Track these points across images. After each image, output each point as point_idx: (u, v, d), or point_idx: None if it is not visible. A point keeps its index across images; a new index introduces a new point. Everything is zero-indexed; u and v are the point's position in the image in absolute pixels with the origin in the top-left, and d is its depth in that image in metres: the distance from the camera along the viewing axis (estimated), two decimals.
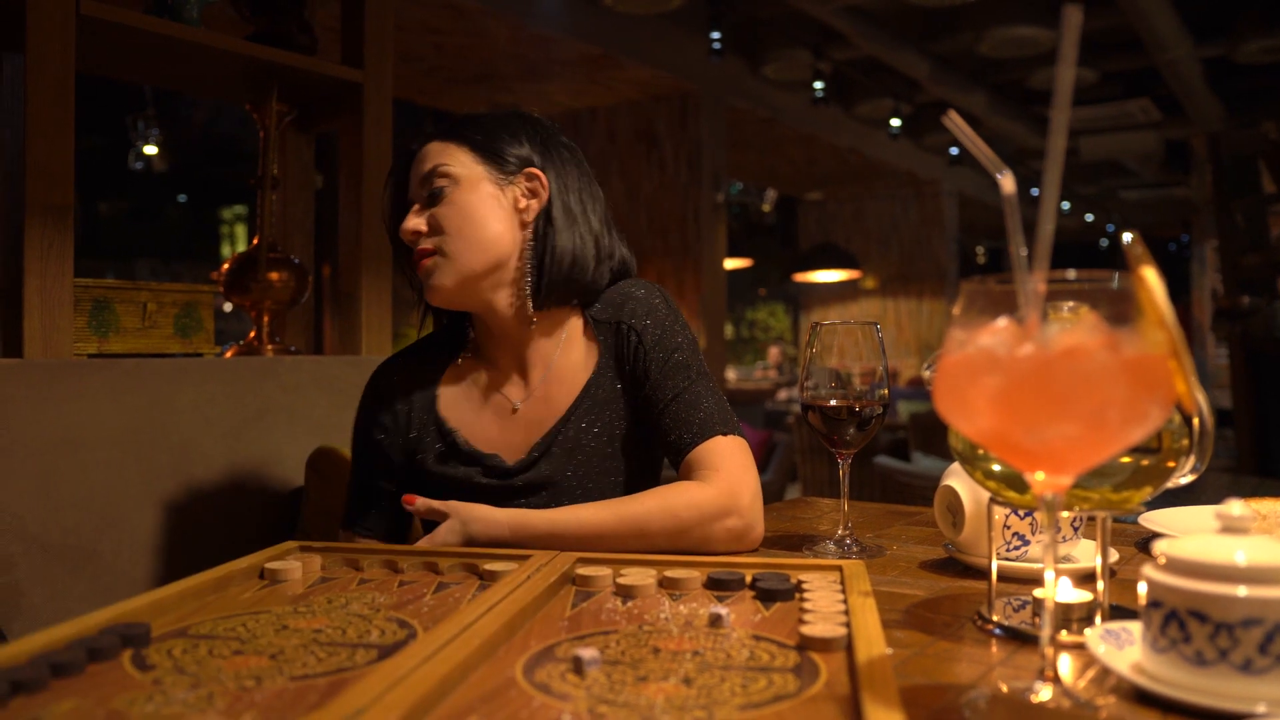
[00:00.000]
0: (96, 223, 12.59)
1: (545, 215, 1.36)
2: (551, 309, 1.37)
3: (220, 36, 1.96)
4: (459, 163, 1.33)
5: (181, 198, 13.72)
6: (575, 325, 1.41)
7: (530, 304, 1.34)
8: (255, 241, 2.15)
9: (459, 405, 1.40)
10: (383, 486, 1.39)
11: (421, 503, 1.23)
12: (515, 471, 1.34)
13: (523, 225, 1.35)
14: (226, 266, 2.15)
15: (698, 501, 1.21)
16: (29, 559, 1.48)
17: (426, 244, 1.33)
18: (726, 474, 1.24)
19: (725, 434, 1.28)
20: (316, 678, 0.70)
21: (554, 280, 1.34)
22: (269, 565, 1.00)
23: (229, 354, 2.15)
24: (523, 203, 1.35)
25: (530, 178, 1.36)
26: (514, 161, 1.36)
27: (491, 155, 1.35)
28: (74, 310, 1.76)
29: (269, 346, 2.15)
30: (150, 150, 8.32)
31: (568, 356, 1.39)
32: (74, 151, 1.77)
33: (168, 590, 0.88)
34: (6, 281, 1.78)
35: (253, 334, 2.17)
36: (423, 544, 1.17)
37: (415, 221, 1.33)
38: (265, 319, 2.16)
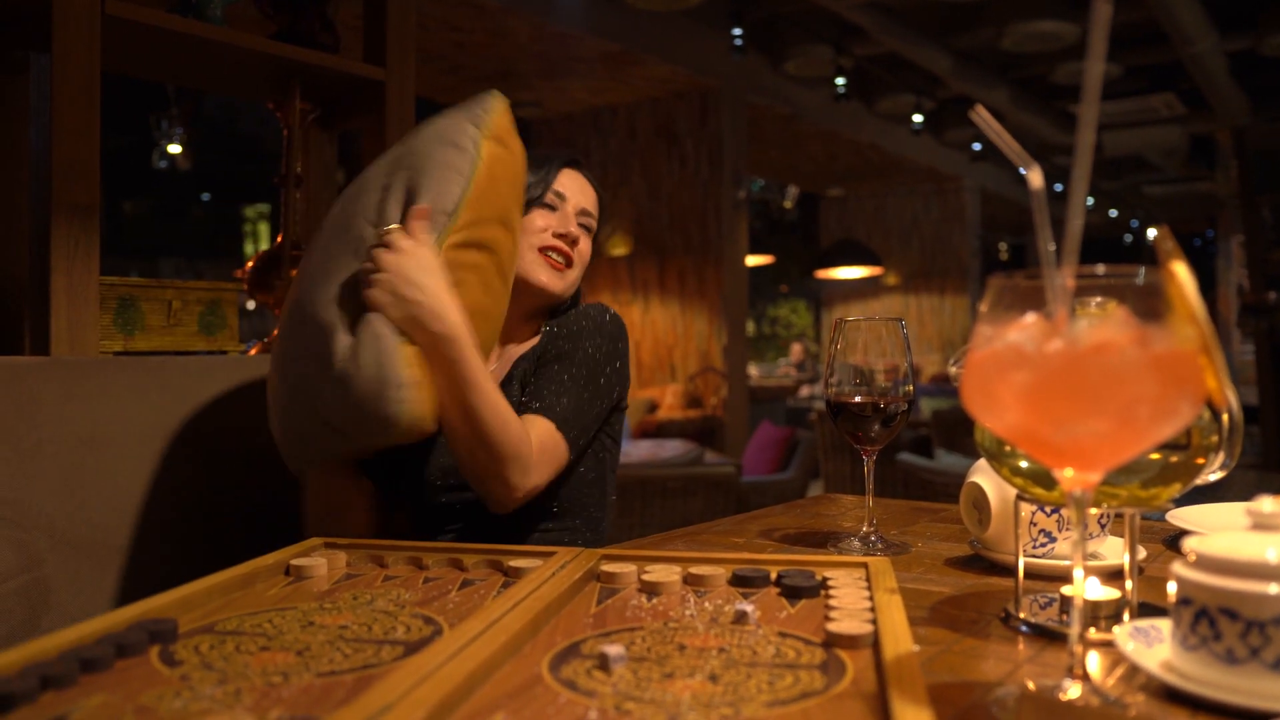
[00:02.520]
0: (121, 221, 12.69)
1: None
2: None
3: (243, 35, 1.97)
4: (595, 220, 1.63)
5: (205, 196, 13.82)
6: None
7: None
8: (279, 239, 2.16)
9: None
10: None
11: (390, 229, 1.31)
12: None
13: None
14: (250, 264, 2.16)
15: (524, 443, 1.33)
16: (57, 555, 1.50)
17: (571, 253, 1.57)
18: (538, 449, 1.36)
19: (560, 429, 1.41)
20: (343, 674, 0.70)
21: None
22: (295, 562, 1.01)
23: (253, 351, 2.16)
24: None
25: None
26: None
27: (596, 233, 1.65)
28: (100, 308, 1.77)
29: None
30: (174, 149, 8.38)
31: (522, 346, 1.59)
32: (99, 151, 1.78)
33: (194, 587, 0.89)
34: (33, 279, 1.79)
35: (276, 331, 2.18)
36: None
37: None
38: None
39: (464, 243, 1.34)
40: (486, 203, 1.36)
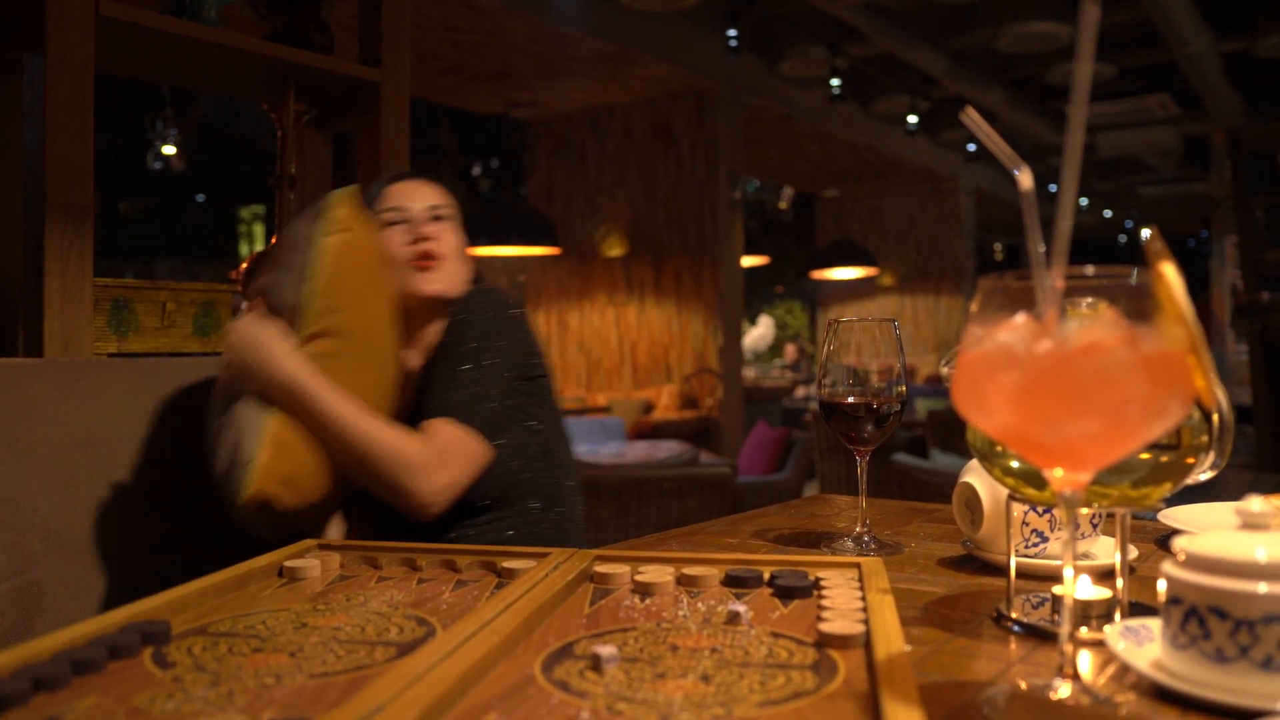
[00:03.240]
0: (116, 222, 12.67)
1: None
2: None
3: (238, 36, 1.97)
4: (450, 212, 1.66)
5: (200, 197, 13.80)
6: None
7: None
8: (273, 240, 2.16)
9: None
10: None
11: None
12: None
13: None
14: (245, 265, 2.16)
15: (404, 447, 1.39)
16: (50, 557, 1.49)
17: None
18: (438, 450, 1.41)
19: (461, 422, 1.45)
20: (336, 675, 0.70)
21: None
22: (288, 563, 1.01)
23: None
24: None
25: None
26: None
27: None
28: (94, 310, 1.77)
29: None
30: (169, 150, 8.37)
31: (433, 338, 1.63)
32: (94, 152, 1.78)
33: (187, 588, 0.89)
34: (28, 281, 1.79)
35: None
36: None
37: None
38: None
39: (319, 333, 1.42)
40: (335, 292, 1.43)
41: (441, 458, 1.42)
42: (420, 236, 1.59)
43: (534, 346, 1.60)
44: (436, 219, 1.63)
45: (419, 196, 1.64)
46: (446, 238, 1.62)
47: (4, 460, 1.48)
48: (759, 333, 16.26)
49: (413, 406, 1.55)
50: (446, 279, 1.60)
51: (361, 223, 1.49)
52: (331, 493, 1.43)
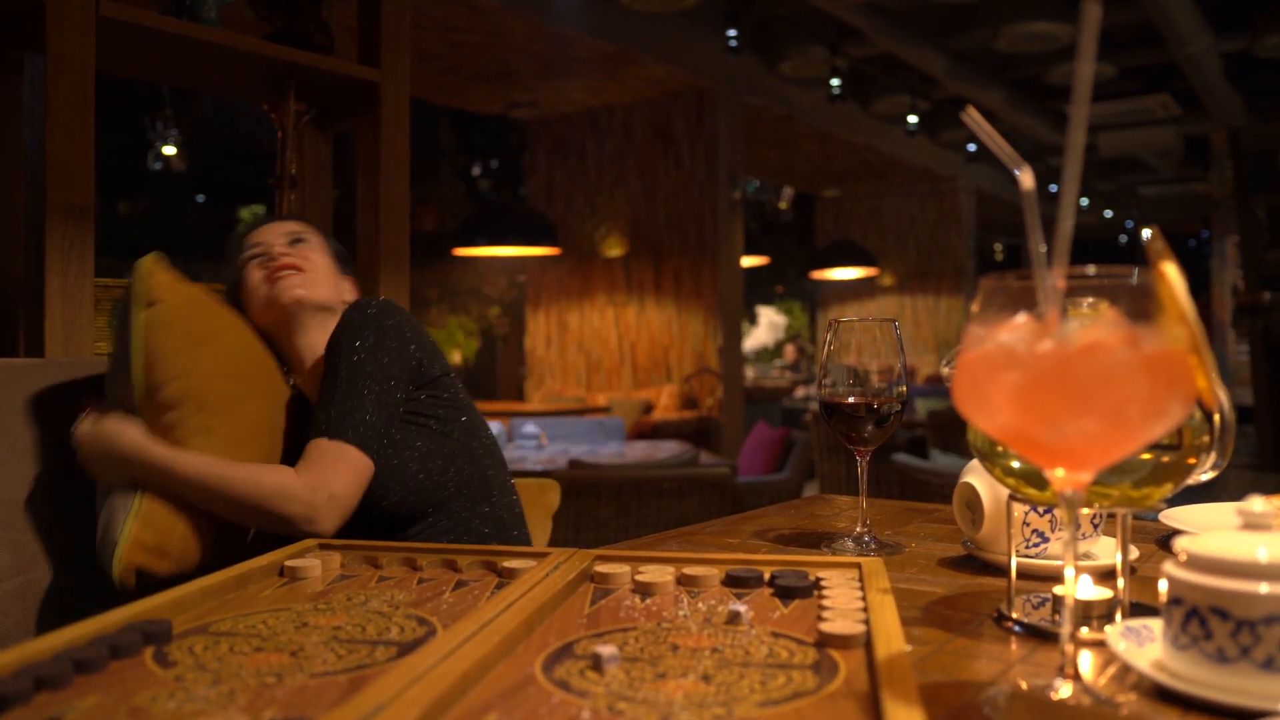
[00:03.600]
0: (116, 223, 12.67)
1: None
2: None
3: (238, 36, 1.98)
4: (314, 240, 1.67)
5: (200, 198, 13.80)
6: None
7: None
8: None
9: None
10: None
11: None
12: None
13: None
14: None
15: (283, 480, 1.39)
16: (51, 556, 1.50)
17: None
18: (313, 468, 1.41)
19: (333, 438, 1.43)
20: (337, 674, 0.70)
21: None
22: (289, 563, 1.01)
23: None
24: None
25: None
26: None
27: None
28: (95, 310, 1.77)
29: None
30: (169, 150, 8.37)
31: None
32: (94, 152, 1.78)
33: (188, 588, 0.89)
34: (29, 281, 1.79)
35: None
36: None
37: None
38: None
39: (159, 409, 1.43)
40: (157, 368, 1.43)
41: (316, 474, 1.40)
42: (272, 255, 1.59)
43: (421, 351, 1.56)
44: (296, 242, 1.63)
45: (276, 231, 1.65)
46: (307, 254, 1.61)
47: (5, 460, 1.48)
48: (767, 323, 16.29)
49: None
50: (304, 284, 1.58)
51: (167, 285, 1.47)
52: (213, 554, 1.43)
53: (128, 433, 1.41)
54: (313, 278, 1.60)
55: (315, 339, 1.60)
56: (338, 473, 1.41)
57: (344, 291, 1.67)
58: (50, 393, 1.55)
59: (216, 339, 1.50)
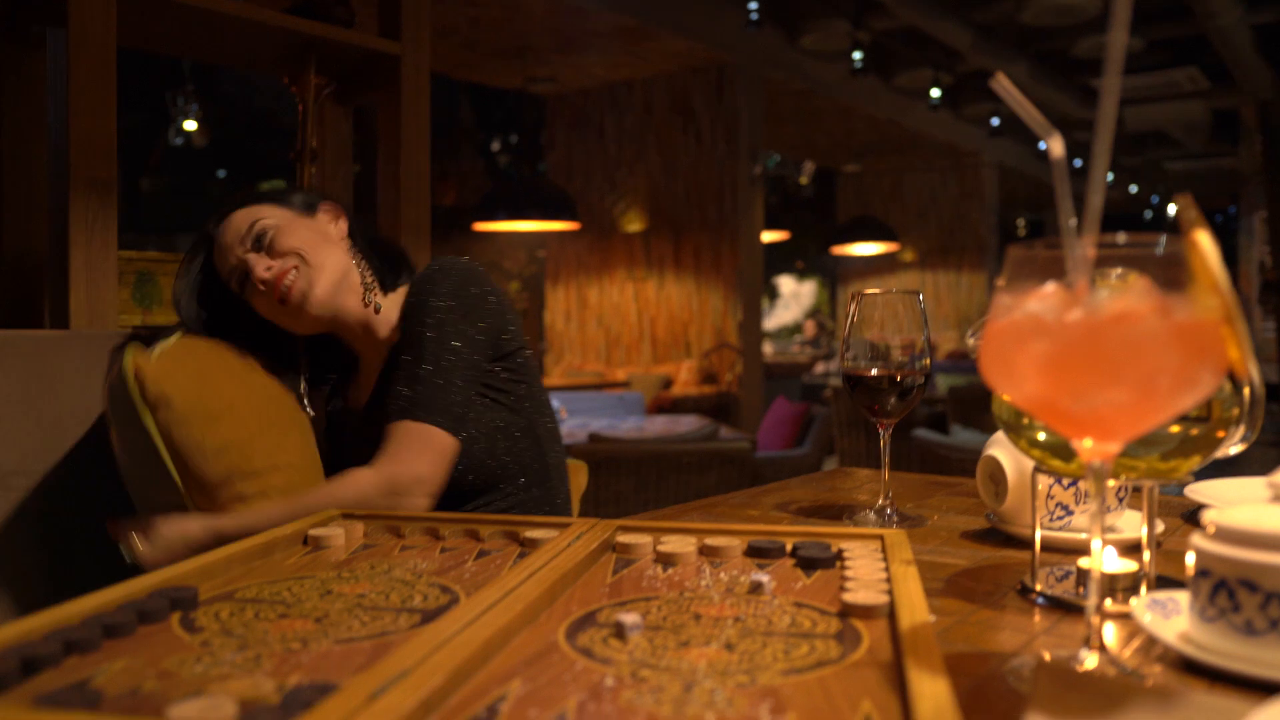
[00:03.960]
0: (137, 198, 12.74)
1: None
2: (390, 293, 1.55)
3: (259, 9, 1.97)
4: (271, 216, 1.49)
5: (221, 173, 13.85)
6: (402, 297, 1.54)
7: (374, 294, 1.53)
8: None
9: (351, 380, 1.61)
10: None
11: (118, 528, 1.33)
12: (359, 417, 1.53)
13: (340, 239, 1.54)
14: None
15: (360, 487, 1.33)
16: (78, 526, 1.51)
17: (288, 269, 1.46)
18: (393, 457, 1.36)
19: (418, 419, 1.38)
20: (361, 640, 0.71)
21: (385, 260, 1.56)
22: (313, 532, 1.02)
23: None
24: (333, 228, 1.54)
25: (325, 211, 1.55)
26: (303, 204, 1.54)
27: (300, 202, 1.54)
28: (118, 282, 1.78)
29: None
30: (190, 126, 8.39)
31: (386, 332, 1.53)
32: (116, 125, 1.79)
33: (214, 555, 0.90)
34: (53, 254, 1.80)
35: None
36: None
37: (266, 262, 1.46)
38: None
39: (213, 490, 1.37)
40: (194, 459, 1.36)
41: (399, 462, 1.36)
42: (266, 281, 1.44)
43: (503, 323, 1.49)
44: (257, 239, 1.46)
45: (233, 242, 1.47)
46: (282, 248, 1.45)
47: (30, 432, 1.49)
48: (790, 292, 16.25)
49: (381, 394, 1.48)
50: (309, 283, 1.45)
51: (163, 380, 1.36)
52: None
53: (190, 528, 1.32)
54: (308, 272, 1.46)
55: (354, 307, 1.51)
56: (424, 457, 1.36)
57: (332, 236, 1.52)
58: (74, 364, 1.56)
59: (231, 407, 1.41)
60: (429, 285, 1.46)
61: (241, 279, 1.47)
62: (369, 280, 1.53)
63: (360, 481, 1.34)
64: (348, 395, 1.61)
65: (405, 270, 1.59)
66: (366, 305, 1.52)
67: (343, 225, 1.56)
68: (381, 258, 1.56)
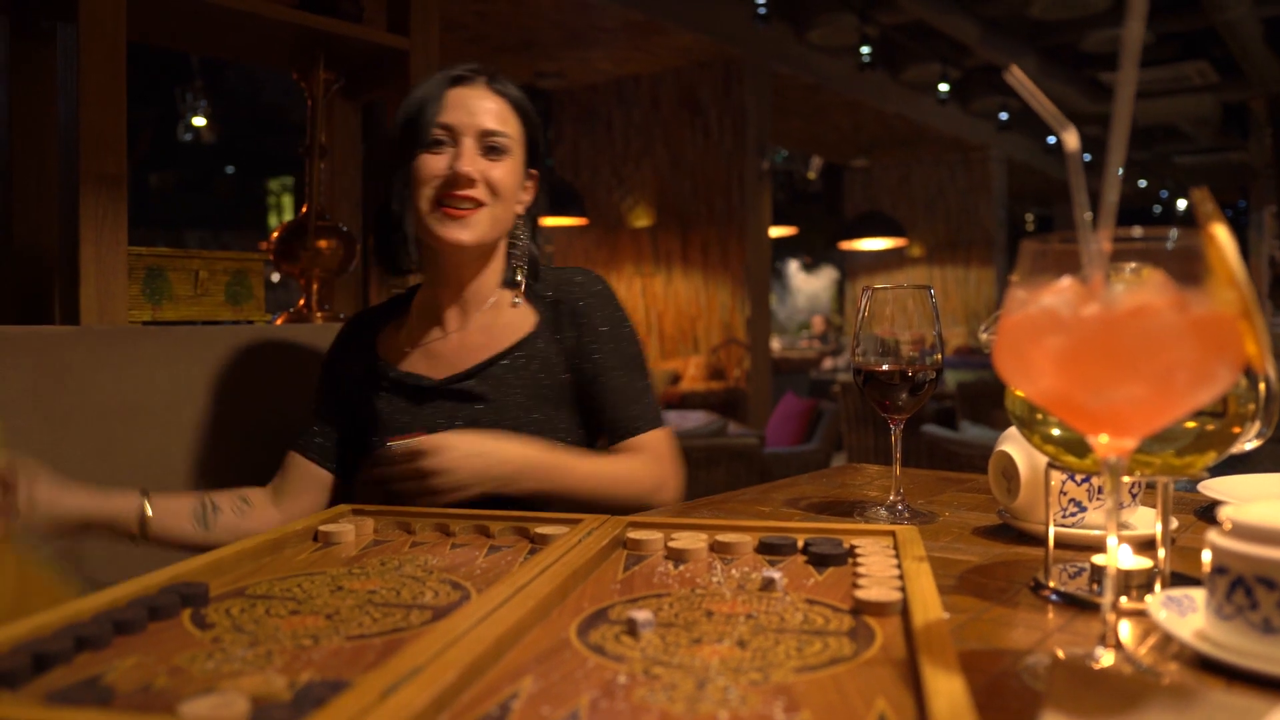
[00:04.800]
0: (147, 194, 12.77)
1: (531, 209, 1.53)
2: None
3: (268, 4, 1.97)
4: (513, 136, 1.43)
5: (230, 169, 13.87)
6: (509, 290, 1.51)
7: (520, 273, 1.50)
8: (304, 209, 2.16)
9: (396, 344, 1.52)
10: (327, 420, 1.52)
11: (399, 445, 1.29)
12: (436, 389, 1.44)
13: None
14: (276, 234, 2.17)
15: (641, 478, 1.42)
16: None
17: (479, 193, 1.39)
18: (664, 463, 1.46)
19: (661, 427, 1.50)
20: (372, 637, 0.71)
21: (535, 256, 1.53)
22: (323, 528, 1.02)
23: (279, 321, 2.17)
24: (524, 196, 1.50)
25: (530, 177, 1.50)
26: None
27: (533, 147, 1.48)
28: (128, 278, 1.78)
29: (318, 314, 2.16)
30: (199, 122, 8.41)
31: (503, 313, 1.49)
32: (126, 120, 1.78)
33: (225, 551, 0.90)
34: (63, 250, 1.80)
35: (302, 301, 2.19)
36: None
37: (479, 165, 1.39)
38: (314, 286, 2.18)
39: None
40: None
41: (667, 465, 1.46)
42: (461, 176, 1.35)
43: None
44: (493, 148, 1.39)
45: (482, 114, 1.39)
46: (498, 174, 1.38)
47: (40, 427, 1.49)
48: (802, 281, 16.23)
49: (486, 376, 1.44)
50: (483, 230, 1.38)
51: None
52: None
53: (505, 442, 1.34)
54: (496, 214, 1.40)
55: (492, 272, 1.48)
56: (675, 463, 1.49)
57: (521, 198, 1.47)
58: (84, 360, 1.56)
59: None
60: (609, 299, 1.50)
61: (439, 140, 1.38)
62: (516, 258, 1.50)
63: (638, 472, 1.43)
64: (396, 356, 1.50)
65: (535, 270, 1.53)
66: (506, 280, 1.49)
67: (528, 196, 1.50)
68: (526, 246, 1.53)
